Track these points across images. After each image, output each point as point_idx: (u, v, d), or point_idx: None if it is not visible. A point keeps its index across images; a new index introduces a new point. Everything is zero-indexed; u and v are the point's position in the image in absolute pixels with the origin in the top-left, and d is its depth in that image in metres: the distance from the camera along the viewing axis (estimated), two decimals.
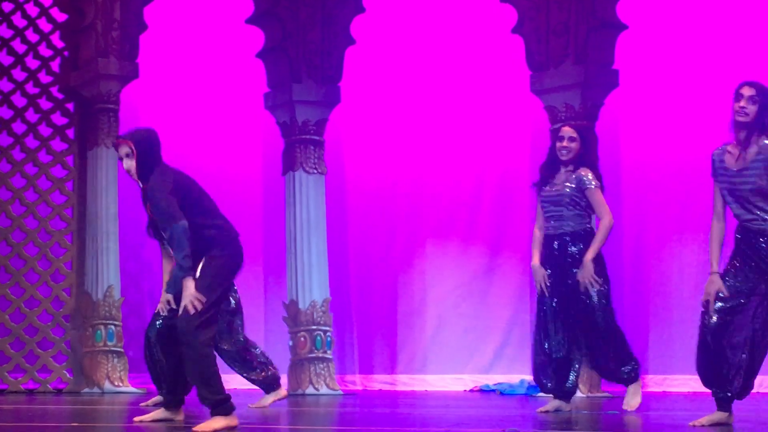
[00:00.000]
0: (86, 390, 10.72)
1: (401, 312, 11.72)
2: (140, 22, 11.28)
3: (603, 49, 10.22)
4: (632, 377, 7.09)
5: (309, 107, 11.02)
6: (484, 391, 10.95)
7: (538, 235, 7.23)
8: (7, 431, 5.95)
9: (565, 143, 7.13)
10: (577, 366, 7.20)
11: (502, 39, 11.08)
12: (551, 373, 7.14)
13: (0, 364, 11.08)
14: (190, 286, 5.54)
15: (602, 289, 7.01)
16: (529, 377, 10.41)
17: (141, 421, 6.28)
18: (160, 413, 6.39)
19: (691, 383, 10.58)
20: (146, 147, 5.84)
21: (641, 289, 10.90)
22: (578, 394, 9.73)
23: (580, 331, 7.07)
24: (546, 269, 7.14)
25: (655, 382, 10.75)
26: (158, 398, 7.67)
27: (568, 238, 7.09)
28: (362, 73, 11.62)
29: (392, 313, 11.73)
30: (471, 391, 11.14)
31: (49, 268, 11.19)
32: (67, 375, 11.05)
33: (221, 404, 5.62)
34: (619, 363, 7.07)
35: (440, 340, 11.54)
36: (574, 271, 7.02)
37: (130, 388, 10.71)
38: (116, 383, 10.75)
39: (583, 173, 7.09)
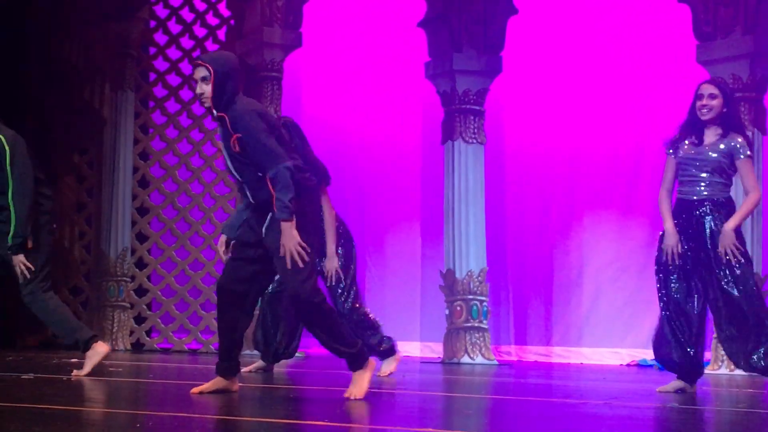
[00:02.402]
0: (246, 352, 10.96)
1: (557, 284, 11.64)
2: None
3: None
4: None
5: (469, 77, 11.00)
6: (642, 366, 10.80)
7: (666, 197, 6.62)
8: (171, 389, 6.14)
9: (705, 101, 6.52)
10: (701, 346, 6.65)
11: (668, 8, 10.85)
12: (678, 352, 6.57)
13: (165, 324, 11.43)
14: (294, 234, 5.07)
15: (745, 265, 6.37)
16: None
17: (201, 393, 5.43)
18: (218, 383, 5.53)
19: None
20: (226, 71, 5.18)
21: None
22: (725, 371, 9.54)
23: (719, 313, 6.47)
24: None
25: None
26: (260, 363, 7.68)
27: (707, 206, 6.46)
28: (524, 42, 11.54)
29: (548, 284, 11.67)
30: (628, 365, 11.01)
31: (213, 232, 11.46)
32: None
33: (360, 355, 5.36)
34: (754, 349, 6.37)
35: (597, 314, 11.43)
36: (710, 245, 6.41)
37: None
38: None
39: (737, 140, 6.47)
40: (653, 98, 11.33)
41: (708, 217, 6.45)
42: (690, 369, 6.62)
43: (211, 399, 5.25)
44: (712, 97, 6.52)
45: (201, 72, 5.19)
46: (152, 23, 11.76)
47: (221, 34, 11.74)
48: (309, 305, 5.18)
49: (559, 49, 11.66)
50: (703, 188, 6.49)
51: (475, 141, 10.97)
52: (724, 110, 6.50)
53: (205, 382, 5.55)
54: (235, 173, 5.29)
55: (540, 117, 11.76)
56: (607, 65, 11.48)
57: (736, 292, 6.36)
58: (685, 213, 6.53)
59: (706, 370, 9.75)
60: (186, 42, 11.75)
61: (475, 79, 11.00)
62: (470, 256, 10.85)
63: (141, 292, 11.48)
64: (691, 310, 6.53)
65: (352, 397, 5.30)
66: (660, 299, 6.64)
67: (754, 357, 6.40)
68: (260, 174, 5.20)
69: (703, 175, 6.49)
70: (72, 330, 6.60)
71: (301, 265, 5.10)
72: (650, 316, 11.22)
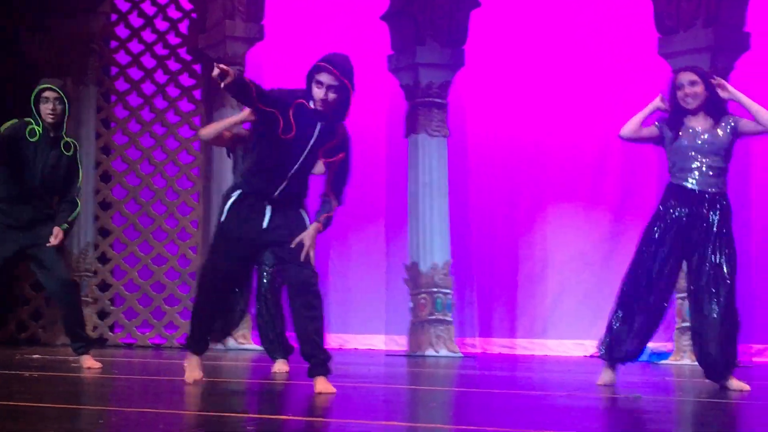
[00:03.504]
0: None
1: (522, 276, 11.68)
2: None
3: (734, 12, 10.00)
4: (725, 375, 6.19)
5: (433, 70, 11.01)
6: None
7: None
8: (135, 384, 6.12)
9: (687, 89, 6.20)
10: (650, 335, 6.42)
11: (630, 1, 10.90)
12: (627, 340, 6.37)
13: (128, 320, 11.37)
14: (315, 238, 5.38)
15: (731, 260, 6.15)
16: (651, 344, 10.30)
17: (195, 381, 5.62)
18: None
19: None
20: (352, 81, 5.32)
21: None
22: (687, 361, 9.61)
23: (694, 307, 6.20)
24: (662, 224, 6.26)
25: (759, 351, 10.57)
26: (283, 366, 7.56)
27: (717, 199, 6.18)
28: (487, 35, 11.56)
29: (513, 277, 11.70)
30: (591, 356, 11.05)
31: (176, 227, 11.42)
32: None
33: (329, 361, 5.36)
34: (724, 359, 6.12)
35: (561, 306, 11.48)
36: (711, 242, 6.13)
37: (254, 345, 10.89)
38: (240, 340, 10.95)
39: (731, 117, 6.22)
40: (616, 91, 11.39)
41: (716, 213, 6.18)
42: (619, 351, 6.42)
43: (177, 394, 5.24)
44: (693, 84, 6.23)
45: (331, 79, 5.26)
46: (114, 17, 11.68)
47: (183, 27, 11.69)
48: (316, 294, 5.30)
49: (522, 41, 11.69)
50: (711, 179, 6.19)
51: (438, 134, 10.98)
52: (707, 95, 6.22)
53: (170, 377, 5.52)
54: (297, 166, 5.33)
55: (503, 110, 11.79)
56: (570, 58, 11.52)
57: (720, 287, 6.12)
58: (688, 204, 6.22)
59: (669, 360, 9.85)
60: (148, 35, 11.69)
61: (438, 72, 11.01)
62: (434, 249, 10.87)
63: (104, 287, 11.42)
64: (656, 297, 6.28)
65: (325, 392, 5.22)
66: (628, 275, 6.37)
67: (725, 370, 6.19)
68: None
69: (712, 163, 6.18)
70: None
71: (313, 262, 5.32)
72: None
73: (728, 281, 6.15)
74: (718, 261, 6.16)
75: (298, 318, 5.31)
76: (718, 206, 6.20)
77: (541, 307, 11.59)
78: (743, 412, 5.18)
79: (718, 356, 6.13)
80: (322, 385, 5.26)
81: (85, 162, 11.17)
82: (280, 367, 6.99)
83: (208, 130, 7.11)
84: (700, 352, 6.24)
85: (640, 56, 11.04)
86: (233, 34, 11.27)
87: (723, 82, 6.29)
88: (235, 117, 7.04)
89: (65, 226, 6.73)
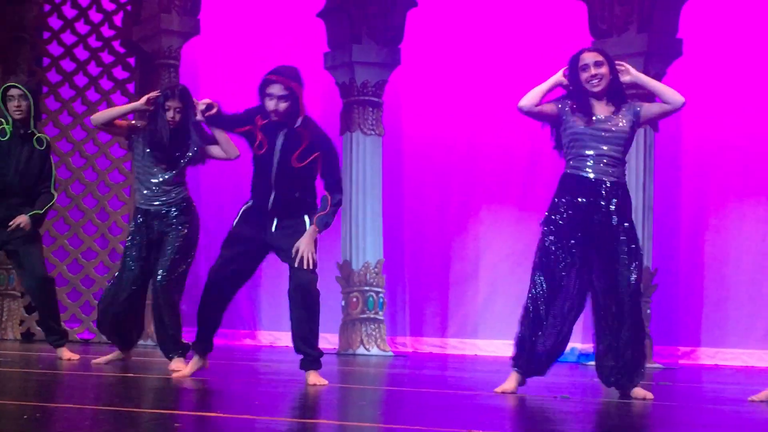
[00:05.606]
0: (141, 342, 10.81)
1: (454, 276, 11.72)
2: None
3: (667, 18, 10.13)
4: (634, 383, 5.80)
5: (368, 68, 11.02)
6: None
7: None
8: (61, 379, 6.05)
9: (593, 71, 5.81)
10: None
11: (565, 5, 10.99)
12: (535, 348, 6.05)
13: None
14: (315, 241, 5.70)
15: (637, 263, 5.73)
16: (579, 345, 10.41)
17: (179, 377, 6.01)
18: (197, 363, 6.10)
19: (743, 357, 10.53)
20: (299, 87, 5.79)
21: (697, 260, 10.84)
22: None
23: (600, 314, 5.82)
24: (561, 217, 5.92)
25: (708, 355, 10.70)
26: (118, 354, 7.31)
27: (615, 189, 5.73)
28: (423, 35, 11.60)
29: (445, 276, 11.75)
30: None
31: (107, 221, 11.30)
32: None
33: (321, 357, 5.85)
34: (628, 372, 5.75)
35: (492, 306, 11.54)
36: (612, 235, 5.72)
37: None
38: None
39: (635, 104, 5.87)
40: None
41: (613, 203, 5.73)
42: (539, 362, 6.07)
43: (103, 389, 5.18)
44: (599, 65, 5.84)
45: (280, 89, 5.69)
46: (47, 7, 11.53)
47: (117, 19, 11.57)
48: (313, 296, 5.71)
49: (457, 42, 11.74)
50: (608, 167, 5.75)
51: (373, 133, 11.00)
52: (611, 77, 5.83)
53: (97, 373, 5.47)
54: (275, 178, 5.69)
55: (438, 110, 11.83)
56: (505, 60, 11.59)
57: (625, 289, 5.71)
58: (585, 194, 5.76)
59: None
60: (81, 27, 11.55)
61: (373, 70, 11.03)
62: (367, 247, 10.88)
63: None
64: (565, 307, 6.04)
65: (318, 384, 5.73)
66: (533, 287, 6.14)
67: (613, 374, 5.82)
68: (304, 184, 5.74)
69: (611, 152, 5.74)
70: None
71: (312, 266, 5.65)
72: None
73: (633, 282, 5.72)
74: (622, 258, 5.73)
75: (294, 317, 5.75)
76: (615, 197, 5.74)
77: (472, 307, 11.65)
78: (665, 413, 5.24)
79: (626, 363, 5.75)
80: (314, 378, 5.78)
81: None
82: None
83: (99, 116, 6.83)
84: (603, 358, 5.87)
85: None
86: (169, 28, 11.17)
87: (627, 65, 5.96)
88: (129, 105, 7.02)
89: (34, 212, 7.01)
